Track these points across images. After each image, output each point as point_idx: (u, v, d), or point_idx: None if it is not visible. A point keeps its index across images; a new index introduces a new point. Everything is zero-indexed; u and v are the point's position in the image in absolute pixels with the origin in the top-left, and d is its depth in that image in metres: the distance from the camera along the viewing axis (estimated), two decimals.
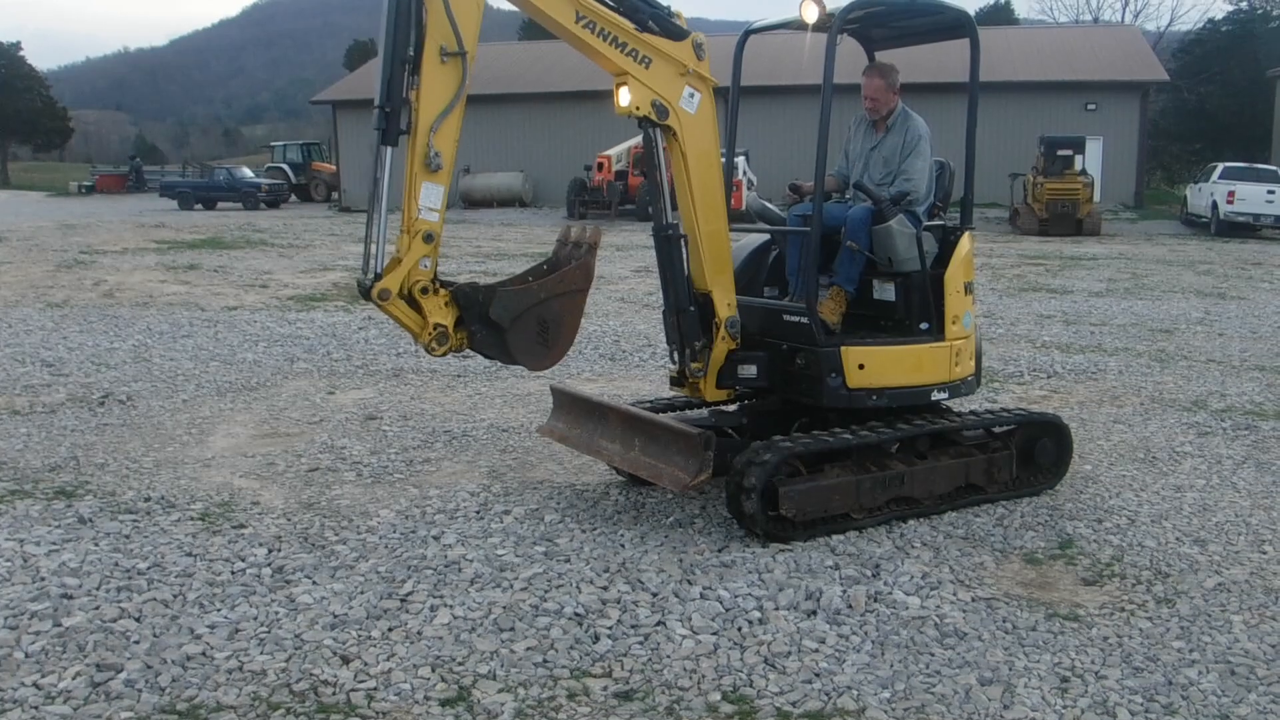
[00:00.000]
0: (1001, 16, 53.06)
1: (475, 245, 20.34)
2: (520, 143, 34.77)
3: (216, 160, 59.66)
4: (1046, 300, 12.41)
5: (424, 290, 4.03)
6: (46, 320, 10.33)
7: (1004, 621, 3.69)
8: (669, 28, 4.31)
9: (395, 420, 6.53)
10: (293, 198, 39.74)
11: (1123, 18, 52.59)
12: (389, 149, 3.96)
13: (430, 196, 4.00)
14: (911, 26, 5.16)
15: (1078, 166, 23.50)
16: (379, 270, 4.00)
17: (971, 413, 5.12)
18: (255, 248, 18.88)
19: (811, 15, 4.48)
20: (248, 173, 39.42)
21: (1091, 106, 30.61)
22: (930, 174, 4.95)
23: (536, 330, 4.24)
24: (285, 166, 41.04)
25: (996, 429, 5.07)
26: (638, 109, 4.30)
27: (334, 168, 39.26)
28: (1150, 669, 3.37)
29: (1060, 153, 23.33)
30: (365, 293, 4.01)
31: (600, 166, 28.38)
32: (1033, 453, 5.03)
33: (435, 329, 4.07)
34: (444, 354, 4.16)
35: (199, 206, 35.32)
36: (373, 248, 4.01)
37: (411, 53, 3.89)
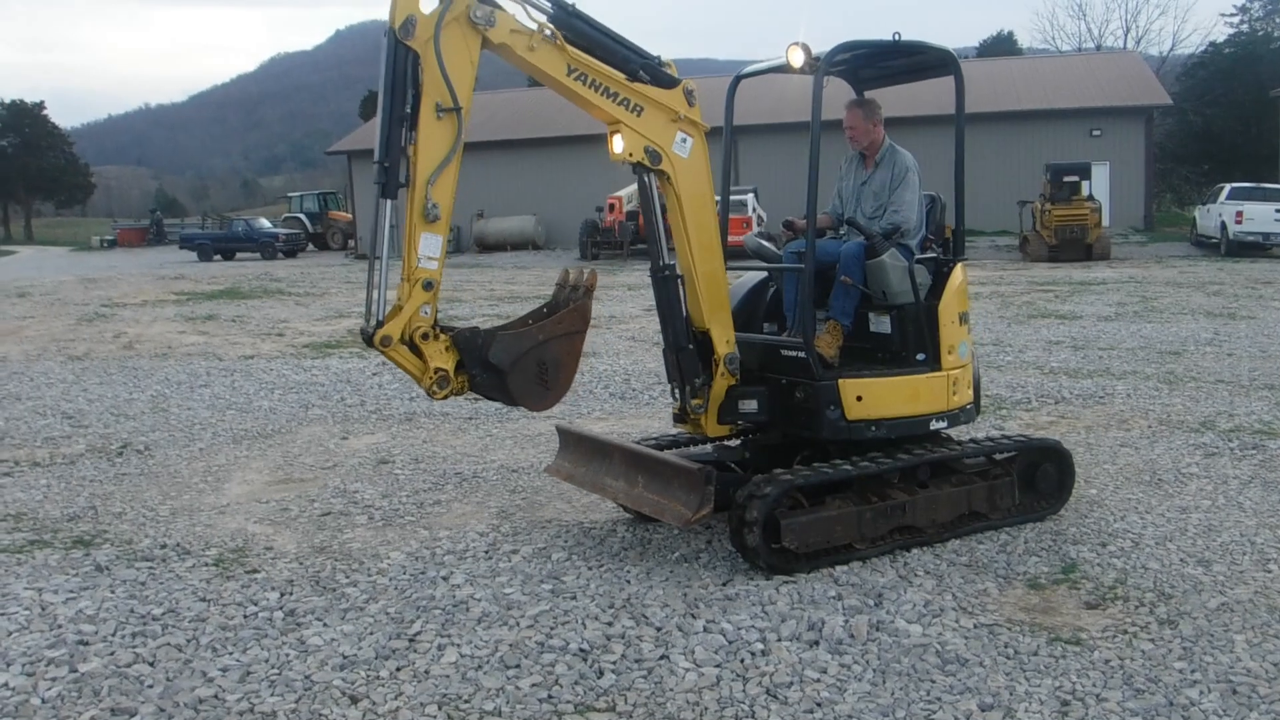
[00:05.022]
0: (1005, 47, 53.60)
1: (489, 289, 20.57)
2: (532, 187, 35.23)
3: (235, 212, 60.66)
4: (1055, 326, 12.42)
5: (424, 336, 4.17)
6: (67, 373, 10.54)
7: (1005, 647, 3.72)
8: (660, 77, 4.48)
9: (407, 463, 6.63)
10: (310, 247, 40.37)
11: (1124, 44, 53.00)
12: (388, 202, 4.14)
13: (429, 246, 4.15)
14: (896, 66, 5.30)
15: (1085, 192, 23.59)
16: (381, 317, 4.14)
17: (971, 440, 5.17)
18: (272, 297, 19.17)
19: (798, 60, 4.62)
20: (265, 223, 40.10)
21: (1096, 132, 30.80)
22: (920, 206, 5.06)
23: (536, 372, 4.37)
24: (302, 216, 41.74)
25: (997, 456, 5.11)
26: (631, 155, 4.45)
27: (350, 216, 39.87)
28: (1151, 690, 3.38)
29: (1066, 179, 23.44)
30: (368, 339, 4.15)
31: (611, 208, 28.73)
32: (1034, 478, 5.07)
33: (436, 373, 4.20)
34: (444, 397, 4.27)
35: (218, 257, 35.92)
36: (374, 295, 4.16)
37: (409, 110, 4.05)
